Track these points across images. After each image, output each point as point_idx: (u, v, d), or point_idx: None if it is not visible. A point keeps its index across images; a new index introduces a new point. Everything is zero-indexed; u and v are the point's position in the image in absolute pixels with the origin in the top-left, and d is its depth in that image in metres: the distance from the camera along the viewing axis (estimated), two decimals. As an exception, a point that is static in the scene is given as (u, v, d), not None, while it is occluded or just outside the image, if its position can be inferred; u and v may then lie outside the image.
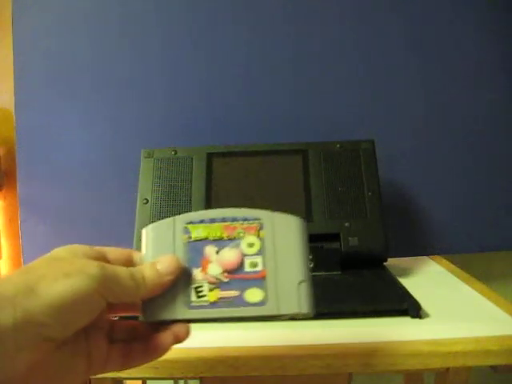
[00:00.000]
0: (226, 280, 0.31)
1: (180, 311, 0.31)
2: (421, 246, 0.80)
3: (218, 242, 0.32)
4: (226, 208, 0.33)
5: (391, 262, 0.63)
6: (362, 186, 0.63)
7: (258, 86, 0.81)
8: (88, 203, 0.81)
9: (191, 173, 0.65)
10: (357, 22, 0.81)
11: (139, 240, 0.61)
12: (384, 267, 0.62)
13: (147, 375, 0.44)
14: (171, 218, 0.33)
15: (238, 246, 0.32)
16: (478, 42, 0.80)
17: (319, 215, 0.62)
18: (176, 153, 0.67)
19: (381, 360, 0.44)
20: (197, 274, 0.32)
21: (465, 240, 0.80)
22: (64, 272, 0.26)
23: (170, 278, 0.30)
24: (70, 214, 0.82)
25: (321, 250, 0.60)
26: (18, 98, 0.82)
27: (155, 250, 0.32)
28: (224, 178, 0.65)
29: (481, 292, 0.57)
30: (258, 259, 0.32)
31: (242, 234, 0.32)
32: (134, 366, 0.31)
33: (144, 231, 0.33)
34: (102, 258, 0.31)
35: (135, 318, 0.32)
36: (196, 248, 0.32)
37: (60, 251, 0.29)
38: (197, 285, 0.31)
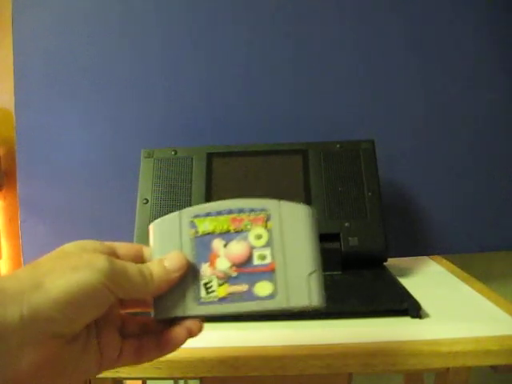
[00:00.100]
0: (234, 274, 0.31)
1: (190, 307, 0.31)
2: (421, 246, 0.80)
3: (225, 235, 0.32)
4: (232, 199, 0.33)
5: (391, 262, 0.63)
6: (362, 185, 0.63)
7: (258, 86, 0.81)
8: (88, 203, 0.81)
9: (191, 173, 0.65)
10: (357, 21, 0.81)
11: (139, 240, 0.61)
12: (384, 267, 0.62)
13: (147, 375, 0.44)
14: (177, 213, 0.33)
15: (245, 238, 0.32)
16: (478, 42, 0.80)
17: (319, 215, 0.62)
18: (176, 153, 0.67)
19: (381, 360, 0.44)
20: (205, 269, 0.31)
21: (465, 240, 0.80)
22: (71, 266, 0.26)
23: (177, 274, 0.30)
24: (69, 214, 0.82)
25: (321, 250, 0.60)
26: (17, 98, 0.82)
27: (162, 245, 0.32)
28: (224, 177, 0.65)
29: (481, 292, 0.57)
30: (267, 251, 0.31)
31: (249, 226, 0.32)
32: (147, 361, 0.31)
33: (151, 227, 0.33)
34: (112, 254, 0.30)
35: (147, 314, 0.32)
36: (203, 242, 0.32)
37: (69, 246, 0.29)
38: (206, 280, 0.31)
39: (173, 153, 0.67)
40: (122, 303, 0.33)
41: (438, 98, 0.81)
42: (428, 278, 0.65)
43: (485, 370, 0.45)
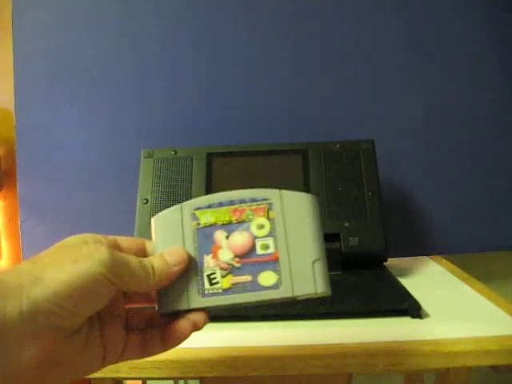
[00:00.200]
0: (237, 265, 0.31)
1: (194, 300, 0.30)
2: (421, 246, 0.80)
3: (227, 227, 0.32)
4: (233, 190, 0.32)
5: (391, 262, 0.63)
6: (361, 185, 0.63)
7: (258, 86, 0.81)
8: (88, 203, 0.81)
9: (191, 173, 0.65)
10: (357, 22, 0.81)
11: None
12: (384, 267, 0.62)
13: (147, 375, 0.44)
14: (179, 206, 0.32)
15: (247, 228, 0.32)
16: (478, 42, 0.80)
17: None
18: (176, 153, 0.67)
19: (381, 360, 0.44)
20: (208, 260, 0.31)
21: (465, 240, 0.80)
22: (72, 258, 0.26)
23: (178, 268, 0.30)
24: (69, 214, 0.82)
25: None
26: (17, 98, 0.82)
27: (164, 239, 0.32)
28: (224, 177, 0.65)
29: (481, 292, 0.57)
30: (270, 241, 0.31)
31: (251, 217, 0.32)
32: (153, 355, 0.31)
33: (153, 220, 0.33)
34: (115, 247, 0.30)
35: (152, 308, 0.32)
36: (205, 234, 0.32)
37: (70, 240, 0.29)
38: (209, 272, 0.31)
39: (173, 153, 0.67)
40: (127, 297, 0.32)
41: (438, 98, 0.81)
42: (428, 278, 0.65)
43: (485, 370, 0.45)
